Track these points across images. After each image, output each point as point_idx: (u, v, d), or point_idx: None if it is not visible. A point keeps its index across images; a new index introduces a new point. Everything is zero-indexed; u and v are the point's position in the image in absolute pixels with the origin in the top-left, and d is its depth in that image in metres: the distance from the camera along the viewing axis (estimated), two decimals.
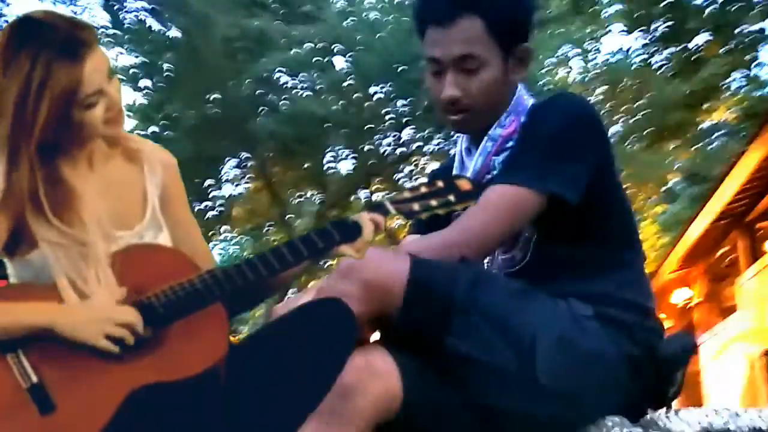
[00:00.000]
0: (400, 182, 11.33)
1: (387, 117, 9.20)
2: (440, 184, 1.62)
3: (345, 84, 8.11)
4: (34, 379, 1.55)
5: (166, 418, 1.60)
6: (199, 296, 1.55)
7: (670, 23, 12.09)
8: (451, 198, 1.62)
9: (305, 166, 9.98)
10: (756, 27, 11.52)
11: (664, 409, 1.49)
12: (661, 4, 11.88)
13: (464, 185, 1.60)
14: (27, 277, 1.69)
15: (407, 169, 11.02)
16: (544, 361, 1.36)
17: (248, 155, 8.99)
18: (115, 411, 1.53)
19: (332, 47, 8.77)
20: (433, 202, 1.62)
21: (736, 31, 11.54)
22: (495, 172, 1.61)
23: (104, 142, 1.74)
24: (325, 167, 10.15)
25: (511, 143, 1.60)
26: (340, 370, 1.37)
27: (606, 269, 1.56)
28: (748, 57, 11.72)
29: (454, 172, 1.72)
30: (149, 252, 1.67)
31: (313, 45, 8.22)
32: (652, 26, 12.23)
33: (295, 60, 8.02)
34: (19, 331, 1.57)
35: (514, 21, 1.57)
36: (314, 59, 8.36)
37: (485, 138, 1.61)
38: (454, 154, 1.76)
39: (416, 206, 1.63)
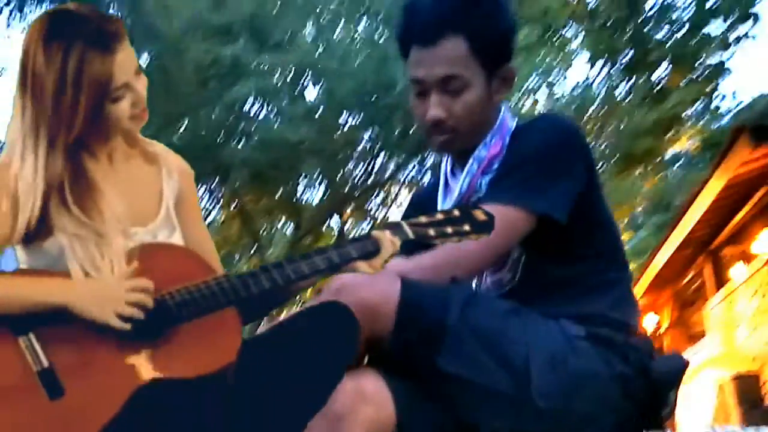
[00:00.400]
0: (373, 210, 11.35)
1: (360, 144, 9.24)
2: (456, 213, 1.64)
3: (317, 112, 8.12)
4: (45, 363, 1.55)
5: (173, 414, 1.61)
6: (213, 299, 1.57)
7: (632, 55, 12.36)
8: (467, 227, 1.64)
9: (277, 194, 9.95)
10: (715, 60, 11.82)
11: (658, 429, 1.50)
12: (624, 37, 12.14)
13: (480, 216, 1.62)
14: (40, 265, 1.68)
15: (380, 197, 11.06)
16: (538, 382, 1.35)
17: (219, 184, 8.94)
18: (125, 402, 1.53)
19: (305, 75, 8.80)
20: (449, 230, 1.63)
21: (697, 63, 11.83)
22: (481, 194, 1.61)
23: (124, 141, 1.76)
24: (297, 195, 10.14)
25: (496, 164, 1.61)
26: (343, 372, 1.36)
27: (595, 289, 1.56)
28: (708, 88, 12.00)
29: (439, 193, 1.72)
30: (165, 251, 1.68)
31: (285, 73, 8.23)
32: (617, 57, 12.48)
33: (267, 87, 8.02)
34: (33, 308, 1.58)
35: (498, 41, 1.58)
36: (287, 87, 8.36)
37: (470, 159, 1.61)
38: (435, 177, 1.77)
39: (432, 231, 1.65)
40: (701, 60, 11.78)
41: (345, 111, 8.46)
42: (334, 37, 8.84)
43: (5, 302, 1.57)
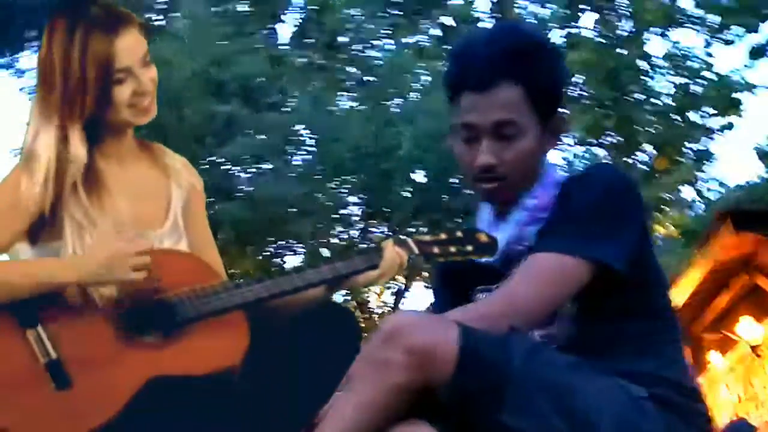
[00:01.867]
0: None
1: (353, 208, 9.26)
2: (459, 234, 1.66)
3: (312, 173, 8.15)
4: (53, 355, 1.54)
5: (179, 410, 1.60)
6: (222, 302, 1.60)
7: (619, 136, 12.63)
8: (469, 248, 1.66)
9: (259, 256, 9.88)
10: (700, 146, 12.11)
11: None
12: (611, 118, 12.41)
13: (482, 238, 1.64)
14: None
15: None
16: None
17: None
18: (133, 395, 1.52)
19: (300, 135, 8.86)
20: (452, 249, 1.65)
21: (683, 148, 12.11)
22: (527, 243, 1.60)
23: (136, 144, 1.76)
24: (276, 260, 10.05)
25: (544, 214, 1.60)
26: (343, 373, 1.31)
27: (649, 348, 1.54)
28: (693, 174, 12.24)
29: None
30: (175, 257, 1.69)
31: (280, 133, 8.28)
32: (602, 137, 12.74)
33: (261, 147, 8.05)
34: (47, 288, 1.58)
35: (552, 90, 1.59)
36: (281, 147, 8.41)
37: (518, 208, 1.60)
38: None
39: (436, 249, 1.68)
40: (686, 145, 12.07)
41: (339, 175, 8.49)
42: (332, 98, 8.97)
43: (17, 284, 1.56)
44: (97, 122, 1.70)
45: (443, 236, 1.73)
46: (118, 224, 1.65)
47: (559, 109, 1.60)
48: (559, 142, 1.63)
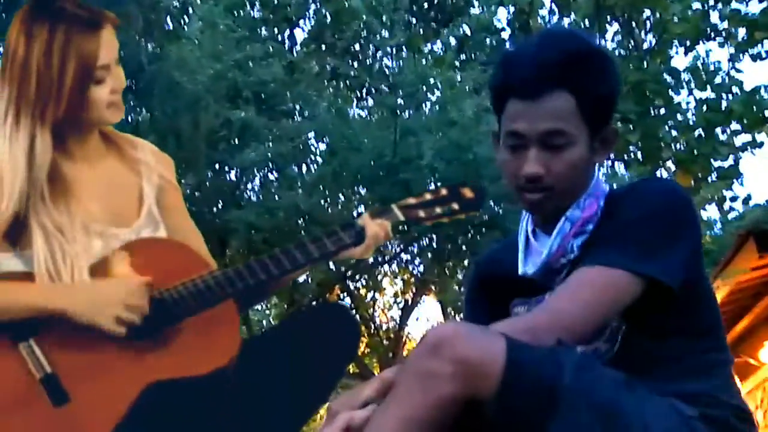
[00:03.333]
0: (358, 290, 11.24)
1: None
2: (444, 192, 1.68)
3: (328, 182, 8.16)
4: (48, 369, 1.55)
5: (179, 414, 1.60)
6: (211, 293, 1.64)
7: (643, 151, 12.58)
8: (455, 206, 1.68)
9: None
10: (727, 164, 12.02)
11: None
12: (633, 135, 12.35)
13: (467, 193, 1.63)
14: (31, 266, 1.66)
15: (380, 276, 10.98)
16: None
17: (219, 248, 8.89)
18: (132, 403, 1.53)
19: (318, 144, 8.90)
20: (438, 210, 1.66)
21: (711, 165, 12.02)
22: (571, 256, 1.58)
23: (101, 140, 1.78)
24: None
25: (590, 226, 1.59)
26: (342, 372, 1.30)
27: (700, 368, 1.52)
28: (719, 192, 12.15)
29: (520, 254, 1.71)
30: (158, 244, 1.71)
31: (298, 140, 8.30)
32: (627, 151, 12.70)
33: (277, 154, 8.07)
34: (32, 314, 1.58)
35: (604, 100, 1.59)
36: (297, 154, 8.43)
37: (563, 219, 1.59)
38: (511, 237, 1.74)
39: (421, 213, 1.70)
40: (712, 163, 12.00)
41: (356, 185, 8.50)
42: (349, 107, 9.00)
43: (4, 308, 1.56)
44: (63, 122, 1.68)
45: (428, 197, 1.75)
46: (88, 226, 1.65)
47: (610, 120, 1.59)
48: (609, 154, 1.61)
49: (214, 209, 8.20)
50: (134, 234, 1.76)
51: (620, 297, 1.45)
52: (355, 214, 9.33)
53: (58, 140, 1.73)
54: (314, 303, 9.83)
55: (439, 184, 7.96)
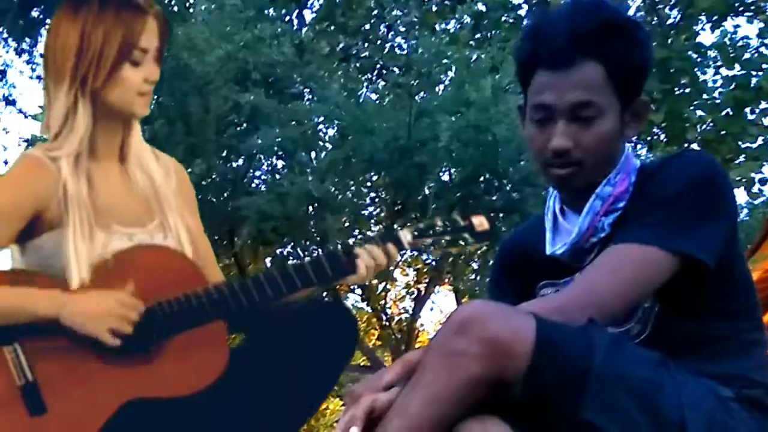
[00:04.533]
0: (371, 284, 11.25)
1: (380, 205, 9.25)
2: (456, 220, 1.66)
3: (340, 167, 8.16)
4: (30, 377, 1.57)
5: None
6: (203, 312, 1.65)
7: (668, 131, 12.51)
8: (467, 237, 1.66)
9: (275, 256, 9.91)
10: (755, 144, 11.94)
11: None
12: (657, 115, 12.28)
13: (481, 225, 1.62)
14: (33, 263, 1.73)
15: (391, 266, 10.97)
16: None
17: (228, 236, 8.92)
18: (107, 421, 1.56)
19: (329, 127, 8.88)
20: (448, 239, 1.65)
21: (738, 147, 11.94)
22: (602, 234, 1.57)
23: (124, 140, 1.85)
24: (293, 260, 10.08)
25: (621, 203, 1.58)
26: (340, 371, 1.31)
27: (735, 349, 1.52)
28: (748, 175, 12.06)
29: (547, 234, 1.70)
30: (157, 253, 1.74)
31: (309, 124, 8.30)
32: (651, 131, 12.63)
33: (289, 138, 8.08)
34: (24, 318, 1.63)
35: (636, 70, 1.57)
36: (308, 139, 8.43)
37: (593, 196, 1.58)
38: (537, 216, 1.74)
39: (429, 240, 1.68)
40: (740, 144, 11.92)
41: (370, 170, 8.49)
42: (363, 88, 8.98)
43: None
44: (95, 103, 1.76)
45: (438, 224, 1.75)
46: (109, 224, 1.69)
47: (641, 92, 1.58)
48: (640, 128, 1.60)
49: (222, 196, 8.22)
50: (147, 236, 1.79)
51: (655, 275, 1.44)
52: (368, 200, 9.33)
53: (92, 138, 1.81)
54: (326, 295, 9.86)
55: (456, 167, 7.95)
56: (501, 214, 8.35)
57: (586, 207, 1.57)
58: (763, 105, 11.57)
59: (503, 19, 11.05)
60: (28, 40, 9.92)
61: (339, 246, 1.74)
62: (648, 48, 1.58)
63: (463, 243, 1.75)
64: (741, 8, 11.72)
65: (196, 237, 1.90)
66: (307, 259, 1.76)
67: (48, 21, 10.02)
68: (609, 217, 1.56)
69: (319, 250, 8.87)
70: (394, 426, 1.28)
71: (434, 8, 11.39)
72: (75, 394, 1.64)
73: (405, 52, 9.08)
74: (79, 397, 1.64)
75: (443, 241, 1.76)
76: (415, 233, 1.81)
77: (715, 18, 11.62)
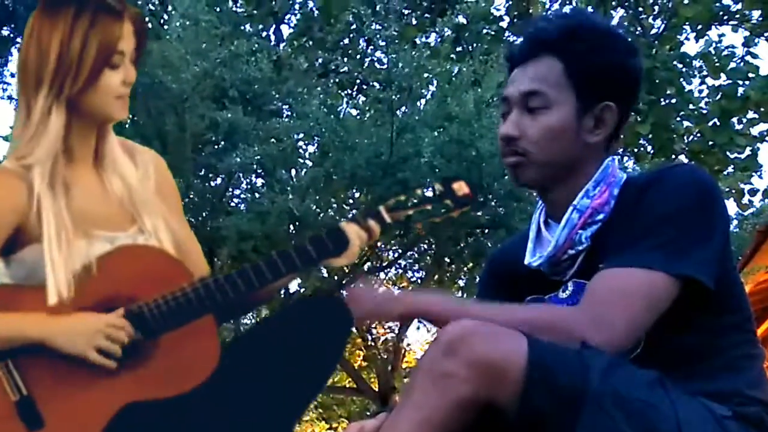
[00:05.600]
0: None
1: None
2: (438, 187, 1.69)
3: (321, 185, 8.15)
4: (24, 392, 1.60)
5: None
6: (191, 308, 1.69)
7: (654, 144, 12.61)
8: (448, 203, 1.69)
9: None
10: (745, 154, 12.03)
11: None
12: (644, 126, 12.36)
13: (461, 188, 1.65)
14: (20, 276, 1.74)
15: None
16: None
17: (208, 256, 8.87)
18: (104, 428, 1.58)
19: (309, 145, 8.88)
20: (429, 207, 1.68)
21: (727, 156, 12.03)
22: (579, 247, 1.59)
23: (100, 142, 1.85)
24: None
25: (601, 215, 1.59)
26: (334, 367, 1.33)
27: (730, 364, 1.53)
28: (737, 186, 12.16)
29: (529, 245, 1.72)
30: (140, 252, 1.76)
31: (288, 141, 8.30)
32: (637, 144, 12.72)
33: (268, 156, 8.07)
34: (10, 343, 1.64)
35: (597, 72, 1.61)
36: (287, 156, 8.42)
37: (570, 208, 1.61)
38: (524, 231, 1.76)
39: (412, 212, 1.72)
40: (728, 155, 12.03)
41: (351, 187, 8.49)
42: (343, 103, 8.99)
43: None
44: (71, 109, 1.78)
45: (418, 193, 1.79)
46: (88, 230, 1.71)
47: (608, 99, 1.60)
48: (605, 135, 1.62)
49: (201, 216, 8.18)
50: (130, 239, 1.81)
51: (663, 302, 1.45)
52: (350, 218, 9.31)
53: (65, 143, 1.82)
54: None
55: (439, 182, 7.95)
56: (486, 230, 8.36)
57: (563, 219, 1.59)
58: (750, 114, 11.71)
59: (484, 31, 11.13)
60: None
61: (323, 229, 1.77)
62: (616, 52, 1.61)
63: (445, 210, 1.78)
64: (725, 17, 11.87)
65: (178, 233, 1.90)
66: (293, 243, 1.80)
67: (19, 40, 10.01)
68: (587, 230, 1.58)
69: None
70: None
71: (414, 22, 11.47)
72: (71, 404, 1.72)
73: (385, 66, 9.11)
74: (75, 407, 1.71)
75: (426, 209, 1.80)
76: (396, 206, 1.86)
77: (699, 27, 11.76)
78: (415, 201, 1.79)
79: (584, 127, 1.59)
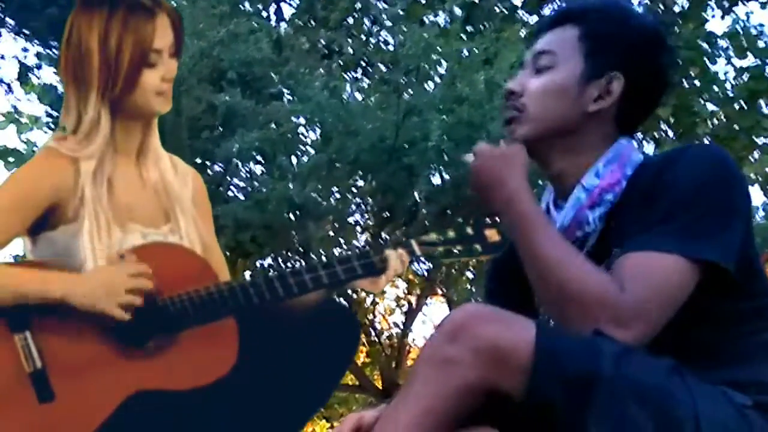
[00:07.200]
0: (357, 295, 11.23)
1: (357, 215, 9.25)
2: (468, 230, 1.74)
3: (323, 172, 8.15)
4: (39, 364, 1.67)
5: (162, 425, 1.73)
6: (214, 307, 1.76)
7: (677, 128, 12.56)
8: (477, 247, 1.75)
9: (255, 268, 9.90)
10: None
11: None
12: (665, 110, 12.32)
13: (493, 236, 1.69)
14: (46, 255, 1.83)
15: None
16: None
17: None
18: (114, 410, 1.65)
19: (311, 129, 8.88)
20: (458, 248, 1.73)
21: (753, 142, 11.98)
22: (587, 229, 1.59)
23: (143, 140, 1.98)
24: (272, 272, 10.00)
25: (610, 196, 1.60)
26: (343, 373, 1.35)
27: (751, 352, 1.53)
28: (765, 173, 12.11)
29: None
30: (171, 250, 1.84)
31: (289, 126, 8.30)
32: (657, 127, 12.68)
33: (267, 141, 8.07)
34: (30, 300, 1.70)
35: (612, 41, 1.63)
36: (288, 141, 8.43)
37: (577, 187, 1.61)
38: None
39: (440, 249, 1.77)
40: (754, 140, 11.97)
41: (355, 173, 8.48)
42: (347, 86, 8.97)
43: (3, 293, 1.68)
44: (115, 107, 1.90)
45: (450, 234, 1.87)
46: (125, 223, 1.79)
47: (621, 69, 1.61)
48: (606, 103, 1.62)
49: None
50: (161, 237, 1.91)
51: (686, 288, 1.45)
52: (353, 206, 9.32)
53: (113, 130, 1.94)
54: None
55: (448, 169, 7.95)
56: (497, 218, 8.35)
57: (570, 199, 1.59)
58: None
59: (496, 9, 11.08)
60: None
61: (360, 249, 1.84)
62: (637, 31, 1.64)
63: (472, 254, 1.85)
64: None
65: (208, 245, 2.00)
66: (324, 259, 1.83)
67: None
68: (596, 211, 1.58)
69: (301, 261, 8.86)
70: None
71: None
72: (83, 382, 1.71)
73: (391, 46, 9.10)
74: (88, 386, 1.71)
75: (455, 250, 1.87)
76: (426, 242, 1.95)
77: (725, 4, 11.68)
78: (445, 240, 1.88)
79: (587, 93, 1.61)
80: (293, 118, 8.50)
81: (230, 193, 9.00)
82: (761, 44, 11.21)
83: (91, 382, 1.71)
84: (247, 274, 10.13)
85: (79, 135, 1.86)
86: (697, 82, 11.79)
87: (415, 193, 7.64)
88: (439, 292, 11.86)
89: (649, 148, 12.39)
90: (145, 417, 1.72)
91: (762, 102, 11.56)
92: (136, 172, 1.96)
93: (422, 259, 1.81)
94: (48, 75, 16.27)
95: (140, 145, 1.98)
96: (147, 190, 1.95)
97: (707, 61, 11.49)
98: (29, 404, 1.70)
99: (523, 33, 9.54)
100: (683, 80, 11.45)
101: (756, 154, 12.04)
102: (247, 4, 10.53)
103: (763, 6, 11.98)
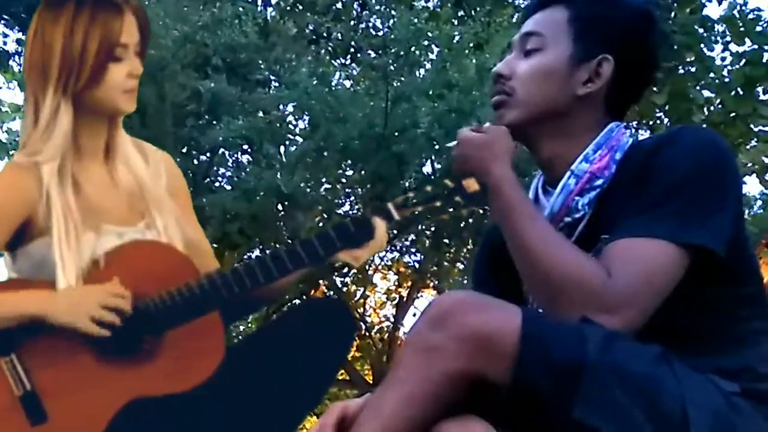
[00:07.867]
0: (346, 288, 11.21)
1: (356, 201, 9.25)
2: (447, 183, 1.73)
3: (311, 160, 8.15)
4: (28, 386, 1.67)
5: (159, 431, 1.73)
6: (196, 304, 1.76)
7: (671, 115, 12.59)
8: (458, 199, 1.73)
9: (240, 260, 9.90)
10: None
11: None
12: (660, 96, 12.34)
13: (472, 185, 1.69)
14: (26, 269, 1.84)
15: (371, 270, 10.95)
16: None
17: None
18: (109, 423, 1.65)
19: (298, 118, 8.87)
20: (438, 204, 1.73)
21: (750, 131, 12.02)
22: (577, 215, 1.60)
23: (110, 137, 1.96)
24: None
25: (600, 181, 1.61)
26: (337, 370, 1.36)
27: (739, 339, 1.55)
28: (761, 161, 12.15)
29: None
30: (147, 249, 1.83)
31: (276, 113, 8.28)
32: (654, 115, 12.71)
33: (254, 129, 8.06)
34: (12, 321, 1.72)
35: (601, 22, 1.65)
36: (276, 130, 8.41)
37: (567, 173, 1.61)
38: None
39: (420, 209, 1.76)
40: (752, 127, 12.00)
41: (344, 161, 8.48)
42: (333, 74, 8.96)
43: None
44: (78, 104, 1.89)
45: (427, 189, 1.84)
46: (92, 221, 1.78)
47: (611, 52, 1.61)
48: (595, 86, 1.63)
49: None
50: (139, 234, 1.91)
51: (676, 274, 1.46)
52: (342, 195, 9.33)
53: (75, 136, 1.92)
54: (300, 300, 9.84)
55: (438, 156, 7.95)
56: (487, 208, 8.35)
57: (559, 185, 1.60)
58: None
59: None
60: None
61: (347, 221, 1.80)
62: (626, 12, 1.65)
63: (454, 207, 1.82)
64: None
65: (189, 233, 2.00)
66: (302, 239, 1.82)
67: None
68: (585, 197, 1.59)
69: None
70: (367, 428, 1.29)
71: None
72: (75, 399, 1.72)
73: (380, 31, 9.09)
74: (80, 402, 1.71)
75: (435, 206, 1.84)
76: (404, 203, 1.91)
77: None
78: (424, 198, 1.83)
79: (576, 76, 1.62)
80: (280, 106, 8.48)
81: (217, 183, 8.99)
82: (758, 29, 11.21)
83: (82, 397, 1.72)
84: (236, 266, 10.11)
85: (38, 129, 1.87)
86: (692, 68, 11.81)
87: (405, 182, 7.65)
88: (430, 284, 11.86)
89: (644, 136, 12.40)
90: (141, 425, 1.74)
91: (759, 89, 11.58)
92: (105, 173, 1.96)
93: (398, 218, 1.78)
94: None
95: (106, 146, 1.97)
96: (119, 190, 1.95)
97: (703, 47, 11.50)
98: (23, 428, 1.70)
99: (514, 17, 9.54)
100: (678, 66, 11.48)
101: (753, 142, 12.07)
102: None
103: None
